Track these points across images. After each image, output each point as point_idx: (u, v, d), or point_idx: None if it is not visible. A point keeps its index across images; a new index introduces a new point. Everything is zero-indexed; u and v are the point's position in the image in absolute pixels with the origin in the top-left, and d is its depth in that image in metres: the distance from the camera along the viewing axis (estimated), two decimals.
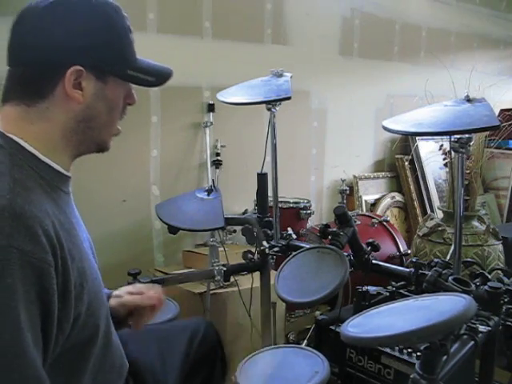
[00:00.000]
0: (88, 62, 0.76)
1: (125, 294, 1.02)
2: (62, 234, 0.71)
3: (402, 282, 1.39)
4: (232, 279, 1.77)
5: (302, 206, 2.34)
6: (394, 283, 1.41)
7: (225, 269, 1.66)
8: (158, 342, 1.13)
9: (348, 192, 2.68)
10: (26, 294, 0.64)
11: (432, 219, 2.36)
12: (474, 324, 1.09)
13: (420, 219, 3.02)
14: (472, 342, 1.05)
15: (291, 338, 2.01)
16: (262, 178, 1.70)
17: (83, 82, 0.76)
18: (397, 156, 3.27)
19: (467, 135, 1.18)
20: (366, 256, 1.40)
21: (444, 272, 1.19)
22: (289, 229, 1.67)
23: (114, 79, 0.80)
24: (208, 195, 1.74)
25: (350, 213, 1.36)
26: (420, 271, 1.28)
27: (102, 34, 0.78)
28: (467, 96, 1.23)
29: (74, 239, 0.76)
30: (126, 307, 0.99)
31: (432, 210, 3.13)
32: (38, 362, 0.65)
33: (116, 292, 1.02)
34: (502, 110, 3.06)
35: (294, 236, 1.66)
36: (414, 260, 1.33)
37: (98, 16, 0.78)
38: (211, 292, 1.84)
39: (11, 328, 0.62)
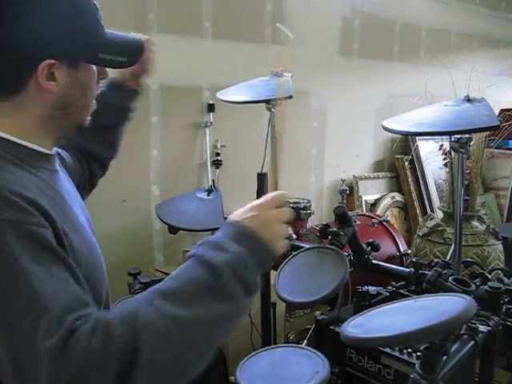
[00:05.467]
0: (59, 53, 0.74)
1: None
2: (51, 207, 0.70)
3: (402, 282, 1.39)
4: None
5: (302, 205, 2.34)
6: (394, 283, 1.41)
7: None
8: None
9: (348, 192, 2.68)
10: (32, 259, 0.62)
11: (432, 219, 2.36)
12: (474, 324, 1.09)
13: (420, 219, 3.02)
14: (472, 342, 1.05)
15: (291, 337, 2.01)
16: (262, 177, 1.70)
17: (56, 73, 0.75)
18: (397, 156, 3.27)
19: (467, 135, 1.18)
20: (366, 256, 1.40)
21: (444, 272, 1.18)
22: (289, 229, 1.67)
23: (85, 64, 0.79)
24: (208, 195, 1.74)
25: (349, 213, 1.36)
26: (420, 271, 1.27)
27: (69, 21, 0.75)
28: (467, 96, 1.22)
29: (66, 214, 0.75)
30: None
31: (432, 210, 3.13)
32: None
33: None
34: (502, 110, 3.05)
35: (294, 236, 1.66)
36: (414, 260, 1.33)
37: (63, 3, 0.74)
38: None
39: (27, 291, 0.60)
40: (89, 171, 1.12)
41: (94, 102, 0.87)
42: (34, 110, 0.76)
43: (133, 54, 0.85)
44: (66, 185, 0.86)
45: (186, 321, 0.61)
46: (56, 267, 0.64)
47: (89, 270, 0.76)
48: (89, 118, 0.87)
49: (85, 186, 1.11)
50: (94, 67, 0.82)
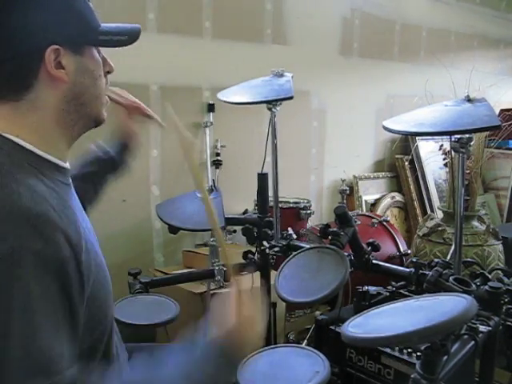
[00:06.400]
0: (62, 39, 0.74)
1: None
2: (70, 227, 0.70)
3: (402, 282, 1.39)
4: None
5: (302, 206, 2.34)
6: (394, 283, 1.41)
7: (225, 269, 1.66)
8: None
9: (348, 192, 2.68)
10: (43, 294, 0.63)
11: (432, 219, 2.36)
12: (475, 324, 1.09)
13: (420, 219, 3.02)
14: (472, 342, 1.05)
15: (291, 338, 2.01)
16: (262, 177, 1.70)
17: (63, 60, 0.75)
18: (397, 156, 3.27)
19: (467, 135, 1.18)
20: (366, 256, 1.40)
21: (445, 272, 1.18)
22: (289, 229, 1.67)
23: (88, 49, 0.79)
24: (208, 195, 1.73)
25: (350, 213, 1.36)
26: (420, 271, 1.27)
27: (64, 8, 0.75)
28: (467, 96, 1.22)
29: (79, 230, 0.74)
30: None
31: (432, 210, 3.13)
32: (64, 360, 0.65)
33: None
34: (502, 110, 3.05)
35: (295, 236, 1.66)
36: (414, 260, 1.33)
37: None
38: (211, 292, 1.84)
39: (28, 331, 0.62)
40: None
41: (107, 97, 0.87)
42: (48, 104, 0.76)
43: (131, 33, 0.84)
44: (77, 199, 0.86)
45: None
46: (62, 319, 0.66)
47: (96, 288, 0.76)
48: (105, 113, 0.86)
49: None
50: (98, 56, 0.82)
